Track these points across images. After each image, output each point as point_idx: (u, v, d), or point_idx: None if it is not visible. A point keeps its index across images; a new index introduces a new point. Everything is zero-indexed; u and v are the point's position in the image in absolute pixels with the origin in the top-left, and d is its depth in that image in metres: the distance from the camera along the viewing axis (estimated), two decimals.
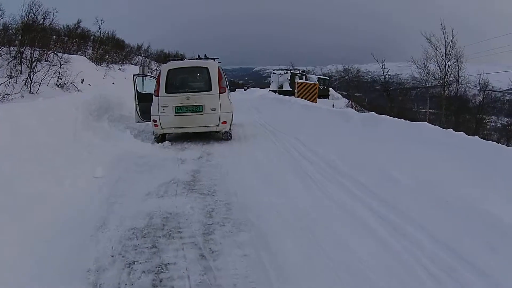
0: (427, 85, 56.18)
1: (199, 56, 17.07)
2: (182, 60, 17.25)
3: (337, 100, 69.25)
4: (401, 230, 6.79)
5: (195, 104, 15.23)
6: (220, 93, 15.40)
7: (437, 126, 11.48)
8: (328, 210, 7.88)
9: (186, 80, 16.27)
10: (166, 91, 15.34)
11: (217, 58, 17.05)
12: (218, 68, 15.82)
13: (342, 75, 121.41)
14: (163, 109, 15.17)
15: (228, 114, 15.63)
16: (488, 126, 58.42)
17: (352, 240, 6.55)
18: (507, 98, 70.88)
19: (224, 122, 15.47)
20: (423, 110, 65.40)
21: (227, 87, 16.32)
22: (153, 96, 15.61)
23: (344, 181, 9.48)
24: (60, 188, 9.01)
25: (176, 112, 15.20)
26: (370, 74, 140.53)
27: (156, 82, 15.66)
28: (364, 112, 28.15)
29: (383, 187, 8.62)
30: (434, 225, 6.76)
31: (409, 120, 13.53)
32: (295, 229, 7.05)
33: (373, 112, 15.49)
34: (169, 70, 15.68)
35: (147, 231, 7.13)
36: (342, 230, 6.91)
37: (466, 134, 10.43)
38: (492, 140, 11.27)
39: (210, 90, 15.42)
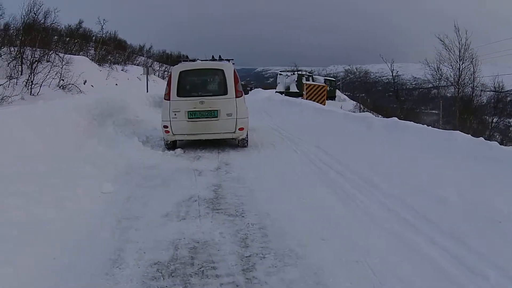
0: (439, 88, 55.55)
1: (213, 57, 15.92)
2: (194, 61, 16.01)
3: (344, 102, 69.35)
4: (464, 261, 5.87)
5: (209, 109, 14.08)
6: (236, 97, 14.27)
7: (470, 136, 10.96)
8: (379, 238, 6.77)
9: (200, 83, 15.13)
10: (178, 95, 14.19)
11: (232, 60, 15.83)
12: (234, 71, 14.70)
13: (345, 76, 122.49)
14: (175, 114, 14.05)
15: (245, 120, 14.50)
16: (490, 127, 57.73)
17: (415, 275, 5.57)
18: (509, 99, 70.33)
19: (241, 129, 14.34)
20: (425, 111, 65.17)
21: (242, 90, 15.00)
22: (163, 100, 14.54)
23: (386, 201, 8.36)
24: (60, 212, 7.75)
25: (189, 118, 14.06)
26: (372, 74, 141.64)
27: (167, 84, 14.54)
28: (368, 113, 27.55)
29: (433, 209, 7.63)
30: (495, 253, 5.98)
31: (415, 122, 12.96)
32: (350, 263, 5.89)
33: (395, 118, 14.58)
34: (181, 72, 14.47)
35: (174, 267, 5.89)
36: (402, 263, 5.88)
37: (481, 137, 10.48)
38: (496, 142, 10.60)
39: (226, 94, 14.27)
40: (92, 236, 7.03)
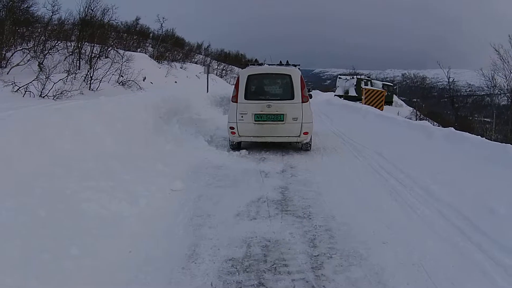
0: (492, 96, 54.81)
1: (280, 62, 16.48)
2: (261, 65, 16.59)
3: (401, 108, 68.71)
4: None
5: (276, 112, 14.60)
6: (302, 102, 14.77)
7: None
8: (435, 244, 7.20)
9: (267, 87, 15.66)
10: (246, 98, 14.77)
11: (298, 65, 16.48)
12: (301, 76, 15.19)
13: (402, 80, 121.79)
14: (242, 116, 14.62)
15: (309, 125, 14.96)
16: None
17: (466, 280, 6.02)
18: None
19: (305, 133, 14.81)
20: (478, 118, 64.41)
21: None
22: (231, 102, 15.18)
23: (443, 210, 8.68)
24: (135, 208, 8.34)
25: (255, 120, 14.60)
26: (428, 80, 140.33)
27: (235, 87, 15.13)
28: (426, 121, 27.57)
29: (485, 220, 7.87)
30: None
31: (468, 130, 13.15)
32: (408, 265, 6.45)
33: (452, 128, 14.76)
34: (249, 76, 15.08)
35: (248, 263, 6.42)
36: (454, 269, 6.34)
37: None
38: None
39: (293, 98, 14.78)
40: (166, 232, 7.61)
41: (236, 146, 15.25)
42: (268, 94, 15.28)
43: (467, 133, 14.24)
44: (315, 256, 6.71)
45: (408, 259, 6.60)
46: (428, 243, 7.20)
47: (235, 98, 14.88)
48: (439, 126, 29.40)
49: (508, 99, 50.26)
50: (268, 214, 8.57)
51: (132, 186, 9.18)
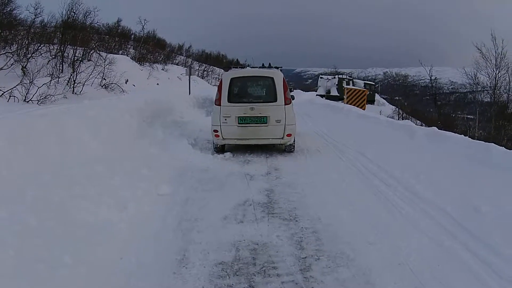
0: (475, 94, 55.08)
1: (263, 64, 16.56)
2: (244, 68, 16.65)
3: (383, 106, 68.91)
4: (494, 266, 6.37)
5: (259, 115, 14.63)
6: (285, 104, 14.79)
7: (503, 148, 11.08)
8: (420, 243, 7.33)
9: (250, 89, 15.66)
10: (229, 100, 14.76)
11: (281, 67, 16.48)
12: (283, 78, 15.20)
13: (384, 78, 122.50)
14: (225, 119, 14.62)
15: (293, 127, 14.99)
16: None
17: (452, 278, 6.16)
18: None
19: (289, 135, 14.85)
20: (461, 115, 64.73)
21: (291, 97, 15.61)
22: (214, 105, 15.15)
23: (427, 209, 8.82)
24: (123, 213, 8.34)
25: (239, 123, 14.61)
26: (410, 78, 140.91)
27: (218, 90, 15.09)
28: (409, 120, 27.57)
29: (469, 218, 8.02)
30: None
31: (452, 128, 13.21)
32: (394, 265, 6.56)
33: (435, 128, 14.82)
34: (232, 79, 15.07)
35: (238, 267, 6.50)
36: (440, 267, 6.48)
37: None
38: None
39: (276, 101, 14.81)
40: (156, 237, 7.63)
41: (220, 149, 15.23)
42: (251, 96, 15.31)
43: (450, 132, 14.26)
44: (303, 258, 6.81)
45: (394, 259, 6.71)
46: (413, 242, 7.30)
47: (218, 101, 14.86)
48: (422, 124, 29.44)
49: (491, 96, 50.49)
50: (255, 217, 8.63)
51: (119, 192, 9.15)
